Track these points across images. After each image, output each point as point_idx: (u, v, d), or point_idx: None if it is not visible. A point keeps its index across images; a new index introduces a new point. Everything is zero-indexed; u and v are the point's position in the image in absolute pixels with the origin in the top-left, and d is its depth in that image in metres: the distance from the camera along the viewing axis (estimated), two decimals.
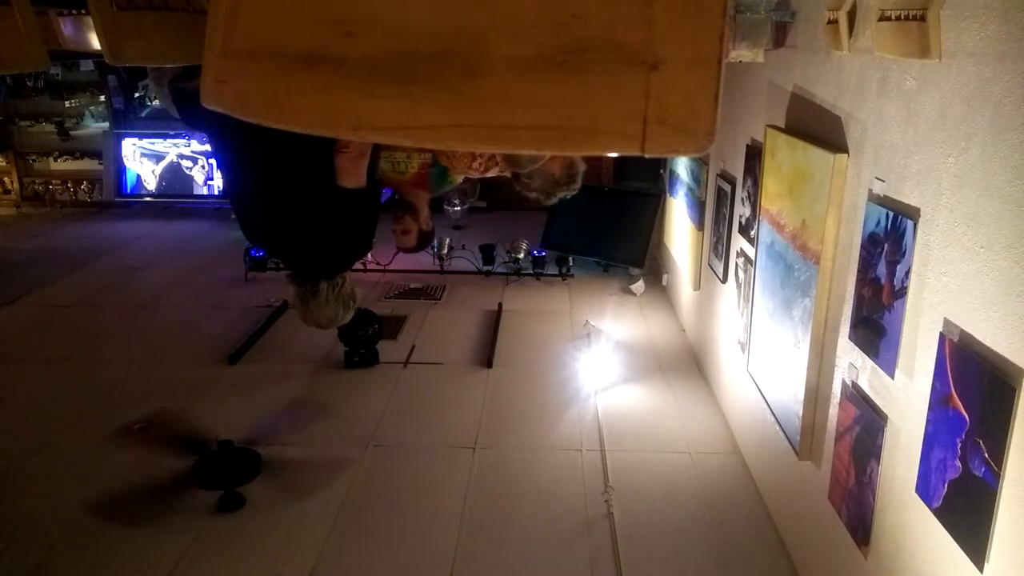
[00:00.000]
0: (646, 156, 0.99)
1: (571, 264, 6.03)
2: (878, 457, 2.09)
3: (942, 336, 1.76)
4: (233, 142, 2.23)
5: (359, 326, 4.41)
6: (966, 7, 1.66)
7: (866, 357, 2.17)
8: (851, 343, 2.28)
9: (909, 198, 1.95)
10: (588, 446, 3.64)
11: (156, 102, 7.65)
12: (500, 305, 5.48)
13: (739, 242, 3.61)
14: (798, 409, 2.60)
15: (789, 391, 2.70)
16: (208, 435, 3.32)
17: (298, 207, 2.20)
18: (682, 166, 5.14)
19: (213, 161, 7.83)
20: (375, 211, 2.33)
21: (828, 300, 2.43)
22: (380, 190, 2.33)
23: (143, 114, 8.23)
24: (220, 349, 4.67)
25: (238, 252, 5.96)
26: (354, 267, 5.89)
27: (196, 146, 7.98)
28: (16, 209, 8.42)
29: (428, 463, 3.52)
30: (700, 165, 4.51)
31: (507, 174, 2.73)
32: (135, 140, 8.14)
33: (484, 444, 3.67)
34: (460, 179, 3.01)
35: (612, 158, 6.59)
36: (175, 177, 8.19)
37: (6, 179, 8.47)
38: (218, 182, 7.87)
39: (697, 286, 4.58)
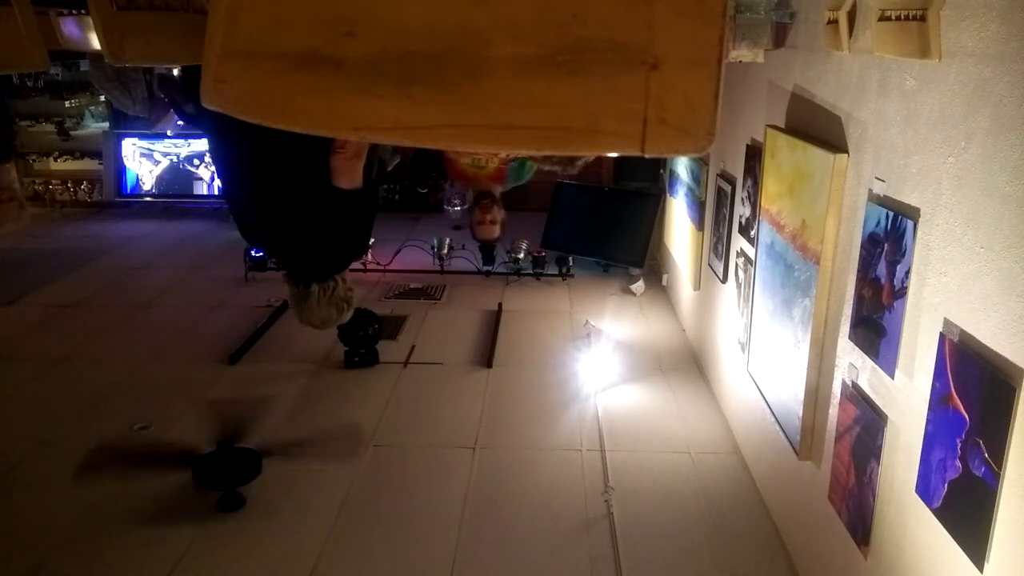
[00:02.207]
0: (646, 156, 0.99)
1: (571, 264, 6.03)
2: (878, 457, 2.09)
3: (942, 336, 1.76)
4: (230, 141, 2.23)
5: (359, 326, 4.40)
6: (966, 7, 1.66)
7: (866, 357, 2.17)
8: (851, 343, 2.27)
9: (909, 198, 1.95)
10: (588, 446, 3.64)
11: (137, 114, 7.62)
12: (500, 305, 5.48)
13: (739, 242, 3.61)
14: (798, 409, 2.60)
15: (789, 391, 2.70)
16: (193, 445, 3.25)
17: (293, 207, 2.19)
18: (682, 166, 5.14)
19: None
20: (371, 212, 2.33)
21: (828, 300, 2.43)
22: (377, 191, 2.32)
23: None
24: (220, 349, 4.66)
25: (238, 252, 5.96)
26: (354, 267, 5.88)
27: (197, 145, 7.98)
28: None
29: (428, 463, 3.52)
30: (700, 165, 4.51)
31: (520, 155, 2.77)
32: (135, 140, 8.14)
33: (484, 444, 3.67)
34: (532, 172, 3.03)
35: (612, 158, 6.59)
36: (175, 177, 8.18)
37: None
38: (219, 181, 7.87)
39: (697, 286, 4.58)
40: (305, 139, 1.07)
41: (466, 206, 7.45)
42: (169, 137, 8.01)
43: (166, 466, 3.14)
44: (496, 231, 3.12)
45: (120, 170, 8.18)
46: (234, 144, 2.18)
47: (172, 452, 3.22)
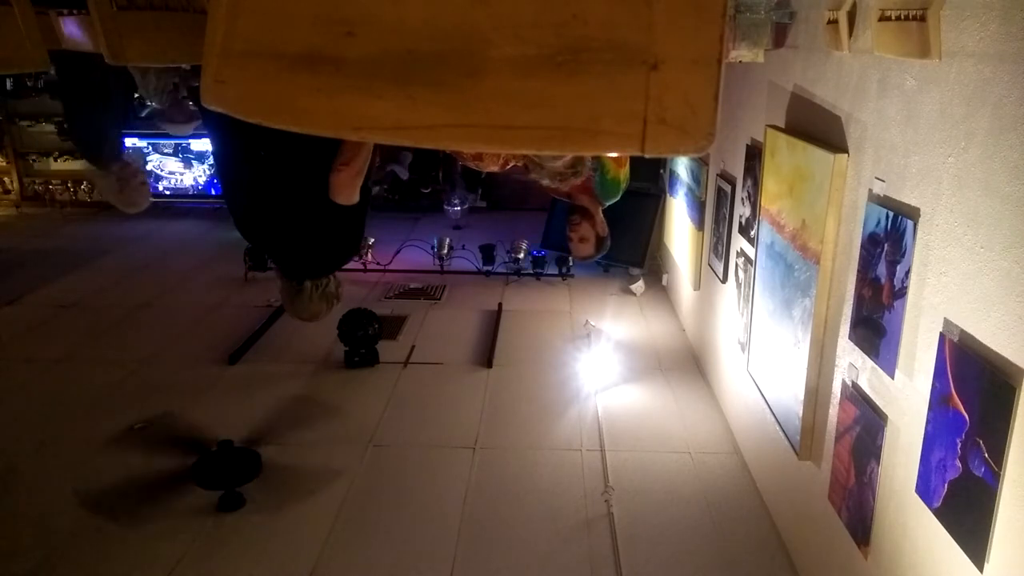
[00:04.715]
0: (646, 156, 0.99)
1: (571, 264, 6.03)
2: (878, 457, 2.09)
3: (942, 336, 1.76)
4: (231, 140, 2.23)
5: (359, 326, 4.41)
6: (966, 7, 1.66)
7: (866, 357, 2.17)
8: (851, 343, 2.28)
9: (909, 198, 1.95)
10: (588, 446, 3.64)
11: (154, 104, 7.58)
12: (500, 305, 5.48)
13: (739, 242, 3.61)
14: (798, 409, 2.60)
15: (789, 391, 2.70)
16: (207, 436, 3.31)
17: (289, 211, 2.20)
18: (682, 166, 5.14)
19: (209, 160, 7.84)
20: (363, 216, 2.34)
21: (828, 300, 2.43)
22: (369, 197, 2.32)
23: (143, 114, 8.20)
24: (220, 349, 4.67)
25: (238, 252, 5.96)
26: (354, 267, 5.88)
27: (195, 145, 7.97)
28: (16, 209, 8.42)
29: (428, 463, 3.52)
30: (700, 165, 4.51)
31: (521, 163, 2.72)
32: (135, 140, 8.13)
33: (484, 444, 3.67)
34: (625, 185, 2.91)
35: None
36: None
37: (6, 179, 8.47)
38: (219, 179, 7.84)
39: (697, 286, 4.58)
40: (304, 141, 1.07)
41: (466, 206, 7.47)
42: (169, 137, 7.98)
43: (181, 450, 3.17)
44: (585, 249, 2.95)
45: None
46: (236, 143, 2.18)
47: (187, 439, 3.25)
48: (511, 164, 2.73)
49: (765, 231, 2.99)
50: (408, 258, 6.25)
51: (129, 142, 8.10)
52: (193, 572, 2.82)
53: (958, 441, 1.66)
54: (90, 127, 2.97)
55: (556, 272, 6.04)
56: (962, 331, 1.70)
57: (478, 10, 0.96)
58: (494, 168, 2.78)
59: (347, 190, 2.11)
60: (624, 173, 2.88)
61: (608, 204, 2.96)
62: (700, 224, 4.48)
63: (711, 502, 3.21)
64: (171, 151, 8.08)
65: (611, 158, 2.73)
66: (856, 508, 2.23)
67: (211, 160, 7.85)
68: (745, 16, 2.58)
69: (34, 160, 8.47)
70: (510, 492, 3.30)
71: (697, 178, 4.59)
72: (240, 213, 2.41)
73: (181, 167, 8.10)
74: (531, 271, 6.06)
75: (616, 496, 3.19)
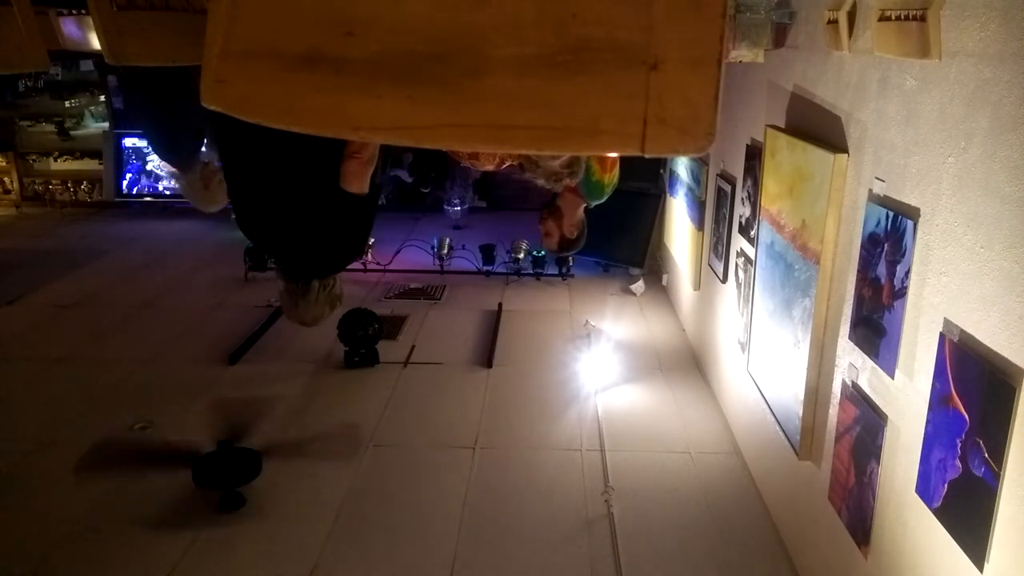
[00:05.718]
0: (646, 156, 0.99)
1: (571, 264, 6.02)
2: (878, 457, 2.09)
3: (942, 336, 1.76)
4: (236, 139, 2.23)
5: (359, 326, 4.40)
6: (966, 7, 1.67)
7: (866, 357, 2.17)
8: (851, 343, 2.28)
9: (909, 198, 1.95)
10: (588, 446, 3.64)
11: None
12: (500, 305, 5.48)
13: (739, 242, 3.61)
14: (798, 409, 2.60)
15: (789, 391, 2.70)
16: (193, 445, 3.26)
17: (299, 208, 2.19)
18: (682, 166, 5.14)
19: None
20: (372, 215, 2.33)
21: (828, 300, 2.43)
22: (379, 195, 2.31)
23: None
24: (220, 349, 4.66)
25: (238, 252, 5.96)
26: (354, 267, 5.87)
27: None
28: (16, 209, 8.42)
29: (428, 463, 3.52)
30: (700, 165, 4.51)
31: (516, 163, 2.72)
32: (135, 140, 8.14)
33: (484, 444, 3.66)
34: (611, 189, 2.94)
35: None
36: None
37: (6, 179, 8.47)
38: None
39: (697, 286, 4.58)
40: (312, 140, 1.07)
41: (466, 206, 7.46)
42: None
43: (167, 465, 3.14)
44: (547, 243, 3.03)
45: (120, 170, 8.17)
46: (240, 141, 2.18)
47: (173, 452, 3.22)
48: (507, 163, 2.73)
49: (765, 231, 2.99)
50: (408, 258, 6.25)
51: (129, 142, 8.13)
52: (193, 572, 2.81)
53: (958, 441, 1.66)
54: (182, 132, 3.05)
55: (556, 272, 6.03)
56: (962, 331, 1.70)
57: (478, 10, 0.96)
58: (489, 167, 2.78)
59: (359, 178, 2.12)
60: (610, 177, 2.89)
61: (594, 204, 2.98)
62: (700, 224, 4.48)
63: (711, 502, 3.21)
64: None
65: (597, 160, 2.74)
66: (856, 508, 2.23)
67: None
68: (745, 16, 2.58)
69: (34, 160, 8.47)
70: (510, 492, 3.30)
71: (697, 178, 4.59)
72: (244, 211, 2.40)
73: None
74: (531, 271, 6.06)
75: (616, 496, 3.19)
